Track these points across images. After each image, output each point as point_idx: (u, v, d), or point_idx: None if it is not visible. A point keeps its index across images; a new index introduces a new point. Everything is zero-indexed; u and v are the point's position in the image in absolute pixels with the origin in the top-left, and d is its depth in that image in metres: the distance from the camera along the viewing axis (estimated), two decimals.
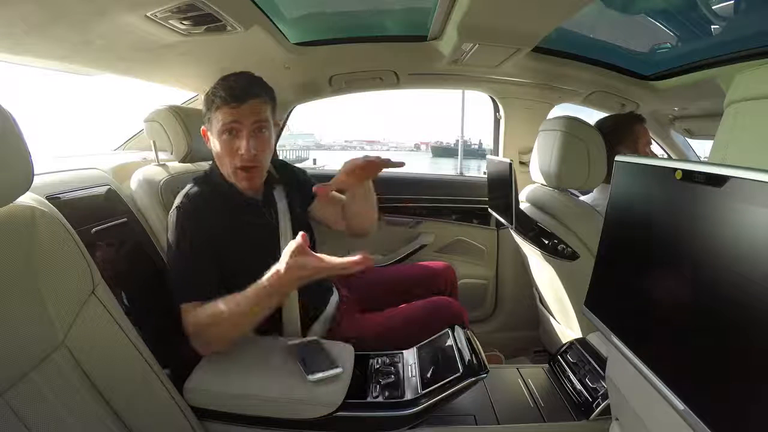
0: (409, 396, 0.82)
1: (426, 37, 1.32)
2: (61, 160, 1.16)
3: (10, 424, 0.50)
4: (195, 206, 0.91)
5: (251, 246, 0.94)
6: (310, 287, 0.85)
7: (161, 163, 1.17)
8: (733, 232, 0.36)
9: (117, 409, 0.64)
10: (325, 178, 1.29)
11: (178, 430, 0.74)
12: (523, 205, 1.36)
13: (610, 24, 1.34)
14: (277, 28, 1.14)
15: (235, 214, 0.95)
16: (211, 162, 1.01)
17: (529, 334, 1.72)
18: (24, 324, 0.55)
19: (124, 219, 0.99)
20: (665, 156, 1.90)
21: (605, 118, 1.44)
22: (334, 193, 1.10)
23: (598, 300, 0.59)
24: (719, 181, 0.37)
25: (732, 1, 1.00)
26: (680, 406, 0.41)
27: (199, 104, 0.97)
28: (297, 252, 0.75)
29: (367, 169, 0.99)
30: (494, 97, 1.82)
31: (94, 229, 0.88)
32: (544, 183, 1.27)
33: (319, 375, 0.78)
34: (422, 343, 0.97)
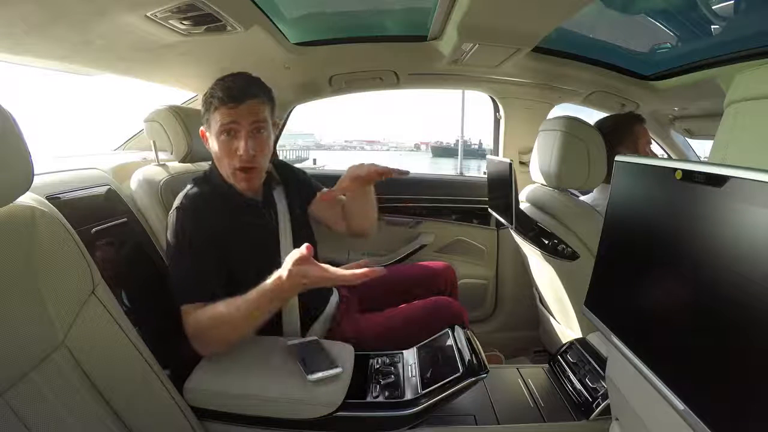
0: (409, 396, 0.82)
1: (426, 37, 1.32)
2: (61, 160, 1.16)
3: (10, 424, 0.50)
4: (195, 207, 0.91)
5: (251, 246, 0.94)
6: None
7: (161, 163, 1.17)
8: (733, 232, 0.36)
9: (117, 409, 0.64)
10: (325, 178, 1.29)
11: (178, 430, 0.74)
12: (523, 205, 1.36)
13: (610, 24, 1.34)
14: (277, 28, 1.14)
15: (234, 214, 0.95)
16: (210, 162, 1.01)
17: (529, 334, 1.72)
18: (24, 324, 0.55)
19: (124, 219, 0.99)
20: (665, 156, 1.91)
21: (605, 118, 1.44)
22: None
23: (598, 300, 0.59)
24: (719, 181, 0.37)
25: (732, 1, 1.00)
26: (680, 406, 0.41)
27: (199, 104, 0.97)
28: (300, 260, 0.74)
29: (372, 177, 0.99)
30: (494, 97, 1.82)
31: (94, 229, 0.88)
32: (544, 183, 1.27)
33: (319, 375, 0.78)
34: (422, 343, 0.97)
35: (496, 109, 1.85)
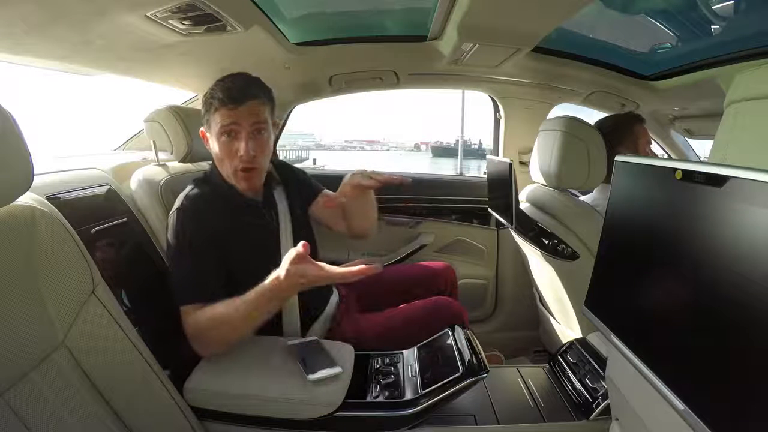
0: (409, 396, 0.82)
1: (426, 37, 1.32)
2: (61, 160, 1.16)
3: (10, 424, 0.50)
4: (195, 208, 0.91)
5: (252, 247, 0.94)
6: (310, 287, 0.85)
7: (161, 163, 1.17)
8: (733, 232, 0.36)
9: (117, 409, 0.64)
10: (325, 178, 1.29)
11: (178, 430, 0.74)
12: (523, 205, 1.36)
13: (610, 24, 1.34)
14: (277, 28, 1.14)
15: (235, 215, 0.95)
16: (210, 162, 1.01)
17: (529, 334, 1.72)
18: (24, 324, 0.55)
19: (124, 219, 0.99)
20: (665, 156, 1.91)
21: (605, 118, 1.44)
22: (333, 194, 1.11)
23: (598, 300, 0.59)
24: (719, 181, 0.37)
25: (732, 1, 1.00)
26: (680, 406, 0.41)
27: (199, 104, 0.97)
28: (297, 259, 0.74)
29: (372, 186, 0.97)
30: (494, 97, 1.82)
31: (94, 229, 0.87)
32: (544, 183, 1.27)
33: (319, 375, 0.78)
34: (422, 343, 0.97)
35: (496, 109, 1.85)
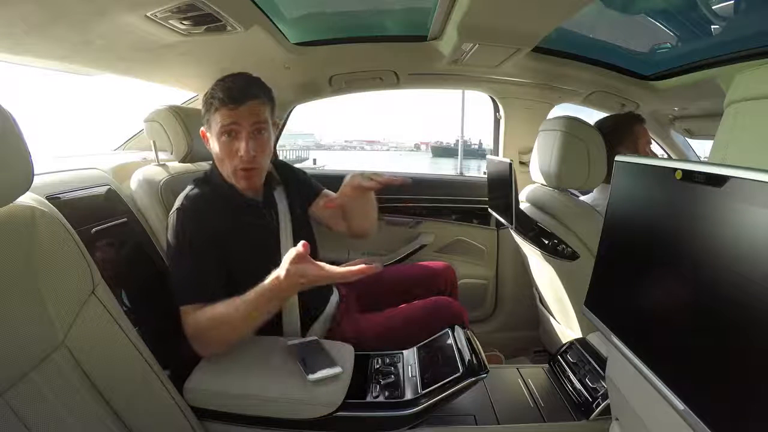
0: (409, 396, 0.82)
1: (426, 37, 1.32)
2: (61, 160, 1.16)
3: (10, 424, 0.50)
4: (195, 208, 0.91)
5: (252, 247, 0.94)
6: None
7: (161, 163, 1.17)
8: (733, 232, 0.36)
9: (117, 409, 0.64)
10: (325, 178, 1.29)
11: (178, 430, 0.74)
12: (523, 205, 1.36)
13: (610, 24, 1.34)
14: (277, 28, 1.14)
15: (235, 215, 0.95)
16: (211, 162, 1.01)
17: (529, 334, 1.72)
18: (24, 324, 0.55)
19: (124, 219, 0.99)
20: (665, 156, 1.91)
21: (605, 118, 1.44)
22: (333, 194, 1.11)
23: (598, 300, 0.59)
24: (719, 181, 0.37)
25: (732, 1, 1.00)
26: (680, 406, 0.41)
27: (199, 104, 0.97)
28: (297, 259, 0.74)
29: (373, 187, 0.97)
30: (494, 97, 1.82)
31: (94, 229, 0.88)
32: (544, 183, 1.27)
33: (319, 375, 0.78)
34: (422, 343, 0.97)
35: (496, 109, 1.85)
